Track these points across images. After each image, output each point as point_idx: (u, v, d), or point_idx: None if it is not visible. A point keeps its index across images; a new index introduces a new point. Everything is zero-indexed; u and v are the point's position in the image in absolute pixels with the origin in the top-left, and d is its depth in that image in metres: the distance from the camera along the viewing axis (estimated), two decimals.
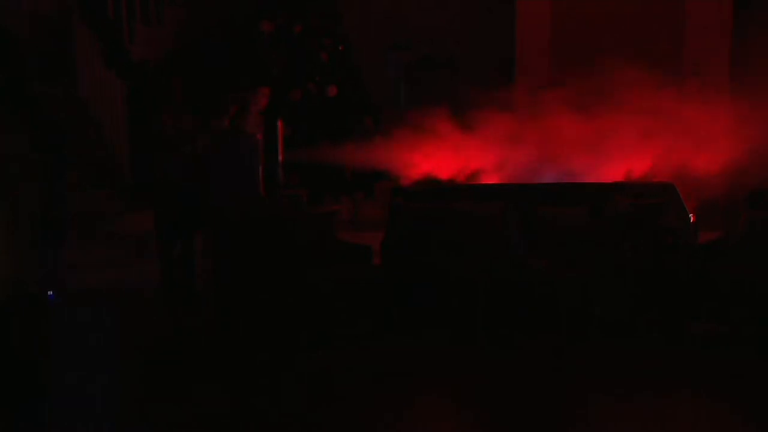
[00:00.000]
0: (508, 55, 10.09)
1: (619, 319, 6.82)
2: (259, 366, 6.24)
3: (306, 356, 6.44)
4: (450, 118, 8.12)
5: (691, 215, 7.51)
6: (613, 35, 9.50)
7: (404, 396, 5.65)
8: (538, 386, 5.80)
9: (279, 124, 9.18)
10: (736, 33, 8.61)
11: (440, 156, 8.12)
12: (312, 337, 6.71)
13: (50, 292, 7.44)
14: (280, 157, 9.13)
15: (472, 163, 8.06)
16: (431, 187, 7.99)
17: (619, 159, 7.76)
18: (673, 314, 6.80)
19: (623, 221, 7.17)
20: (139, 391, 5.84)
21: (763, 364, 6.14)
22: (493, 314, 6.89)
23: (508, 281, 6.95)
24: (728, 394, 5.57)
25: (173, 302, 7.62)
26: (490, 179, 8.04)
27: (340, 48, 10.07)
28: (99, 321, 7.28)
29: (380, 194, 9.25)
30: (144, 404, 5.60)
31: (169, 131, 7.58)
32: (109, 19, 10.00)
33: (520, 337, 6.77)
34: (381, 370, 6.12)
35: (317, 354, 6.49)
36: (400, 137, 8.20)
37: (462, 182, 8.02)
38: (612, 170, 7.77)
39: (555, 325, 6.79)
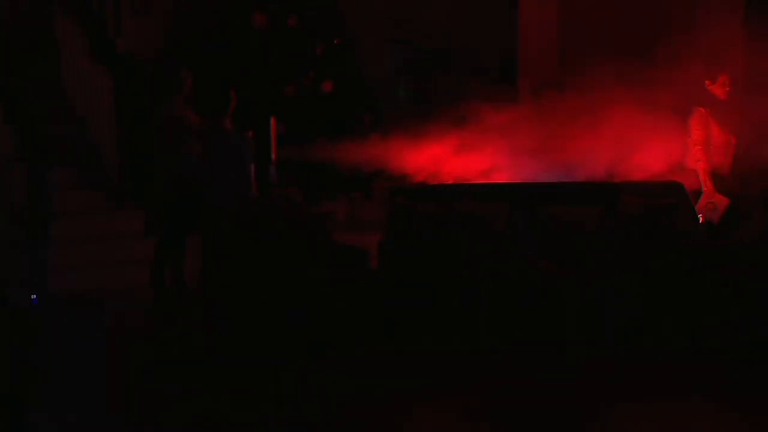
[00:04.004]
0: (511, 51, 9.97)
1: (628, 324, 6.64)
2: (255, 372, 6.07)
3: (305, 362, 6.28)
4: (451, 116, 7.95)
5: (700, 216, 7.35)
6: (621, 28, 9.41)
7: (404, 403, 5.51)
8: (544, 393, 5.66)
9: (272, 120, 9.00)
10: (748, 28, 8.53)
11: (441, 154, 7.94)
12: (310, 341, 6.55)
13: (34, 295, 7.26)
14: (273, 155, 8.96)
15: (474, 162, 7.88)
16: (432, 186, 7.82)
17: (628, 157, 7.59)
18: (685, 319, 6.62)
19: (633, 222, 6.99)
20: (130, 395, 5.72)
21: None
22: (497, 318, 6.73)
23: (513, 283, 6.80)
24: (739, 402, 5.44)
25: (164, 303, 7.45)
26: (494, 178, 7.85)
27: (335, 42, 9.90)
28: (87, 324, 7.13)
29: (378, 194, 9.09)
30: (135, 409, 5.48)
31: (173, 125, 7.37)
32: (94, 10, 9.76)
33: (525, 341, 6.62)
34: (380, 376, 5.98)
35: (316, 359, 6.33)
36: (399, 135, 8.03)
37: (464, 182, 7.84)
38: (620, 169, 7.59)
39: (561, 330, 6.63)
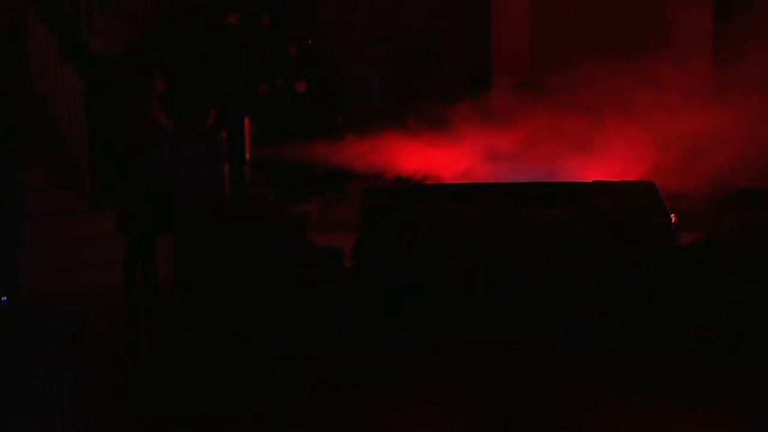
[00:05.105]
0: (486, 51, 10.02)
1: (606, 323, 6.64)
2: (230, 376, 5.99)
3: (280, 366, 6.21)
4: (426, 115, 7.95)
5: (672, 215, 7.39)
6: (594, 32, 9.47)
7: (383, 407, 5.45)
8: (526, 392, 5.63)
9: (246, 121, 8.97)
10: (718, 30, 8.63)
11: (417, 155, 7.94)
12: (286, 344, 6.50)
13: (4, 298, 7.17)
14: (247, 156, 8.93)
15: (448, 162, 7.89)
16: (406, 186, 7.81)
17: (600, 158, 7.63)
18: (664, 318, 6.64)
19: (607, 221, 7.02)
20: (103, 403, 5.59)
21: (754, 369, 6.02)
22: (475, 319, 6.71)
23: (488, 283, 6.78)
24: (719, 399, 5.45)
25: (136, 305, 7.39)
26: (468, 179, 7.86)
27: (309, 42, 9.88)
28: (59, 328, 7.05)
29: (352, 194, 9.08)
30: (107, 415, 5.37)
31: (146, 126, 7.33)
32: (66, 11, 9.68)
33: (504, 340, 6.59)
34: (357, 380, 5.92)
35: (292, 363, 6.26)
36: (373, 135, 8.02)
37: (439, 181, 7.84)
38: (593, 169, 7.62)
39: (540, 329, 6.64)
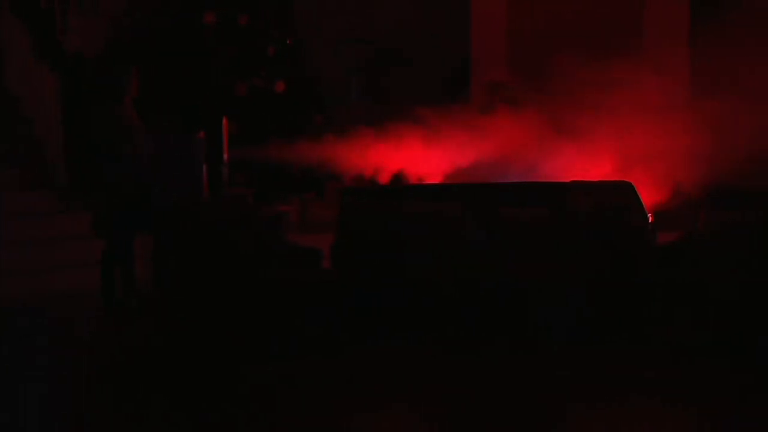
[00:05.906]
0: (464, 52, 10.03)
1: (587, 323, 6.65)
2: (221, 377, 5.94)
3: (258, 367, 6.16)
4: (403, 116, 7.94)
5: (649, 215, 7.42)
6: (572, 32, 9.51)
7: (375, 407, 5.42)
8: (522, 391, 5.62)
9: (224, 121, 8.93)
10: (694, 30, 8.68)
11: (393, 155, 7.93)
12: (263, 345, 6.47)
13: None
14: (224, 156, 8.89)
15: (425, 163, 7.88)
16: (384, 187, 7.79)
17: (578, 158, 7.64)
18: (638, 319, 6.66)
19: (583, 222, 7.03)
20: (93, 404, 5.53)
21: (750, 369, 6.02)
22: (453, 318, 6.71)
23: (468, 284, 6.78)
24: (715, 399, 5.45)
25: (114, 307, 7.33)
26: (446, 179, 7.86)
27: (287, 42, 9.86)
28: (40, 329, 7.00)
29: (330, 195, 9.06)
30: (101, 417, 5.31)
31: (121, 126, 7.26)
32: (41, 9, 9.59)
33: (496, 341, 6.58)
34: (348, 380, 5.90)
35: (270, 365, 6.21)
36: (352, 135, 8.00)
37: (417, 182, 7.84)
38: (570, 169, 7.64)
39: (520, 329, 6.64)
